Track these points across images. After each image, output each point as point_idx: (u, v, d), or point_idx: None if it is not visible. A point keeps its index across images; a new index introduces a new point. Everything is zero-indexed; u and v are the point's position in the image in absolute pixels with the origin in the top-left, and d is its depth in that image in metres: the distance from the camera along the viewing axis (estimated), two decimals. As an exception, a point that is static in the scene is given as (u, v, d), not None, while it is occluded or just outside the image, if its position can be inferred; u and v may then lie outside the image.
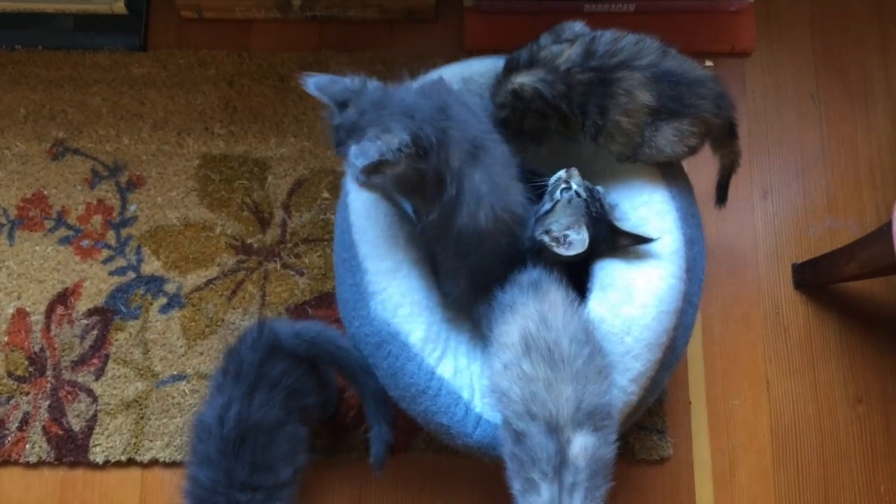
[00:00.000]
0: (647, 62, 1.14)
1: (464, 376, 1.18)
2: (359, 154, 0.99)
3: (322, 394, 1.29)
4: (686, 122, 1.15)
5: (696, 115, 1.15)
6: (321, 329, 1.26)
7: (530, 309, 1.04)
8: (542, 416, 0.96)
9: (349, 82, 1.06)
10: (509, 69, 1.22)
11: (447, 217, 1.08)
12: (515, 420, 0.98)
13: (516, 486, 0.98)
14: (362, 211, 1.21)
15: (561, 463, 0.94)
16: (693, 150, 1.20)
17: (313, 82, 1.05)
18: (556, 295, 1.06)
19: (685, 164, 1.32)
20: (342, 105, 1.05)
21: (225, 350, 1.24)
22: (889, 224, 1.20)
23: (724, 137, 1.22)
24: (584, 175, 1.20)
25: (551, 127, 1.23)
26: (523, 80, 1.19)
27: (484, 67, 1.29)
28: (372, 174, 1.02)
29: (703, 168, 1.62)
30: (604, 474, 0.97)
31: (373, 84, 1.06)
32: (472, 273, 1.17)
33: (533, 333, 1.01)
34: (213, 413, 1.16)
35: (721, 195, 1.32)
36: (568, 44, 1.19)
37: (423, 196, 1.10)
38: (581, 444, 0.95)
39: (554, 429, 0.95)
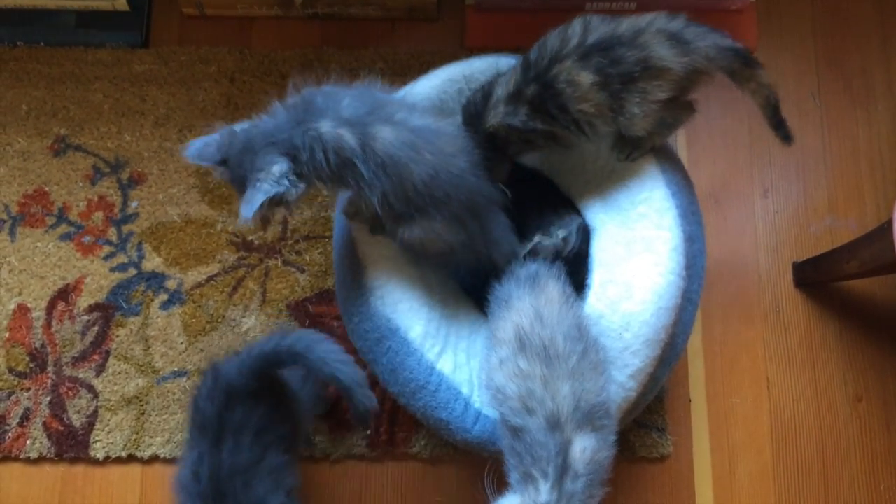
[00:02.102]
0: (573, 45, 1.11)
1: (463, 372, 1.18)
2: (245, 207, 1.02)
3: (295, 416, 1.23)
4: (642, 81, 1.09)
5: (650, 68, 1.09)
6: (263, 345, 1.16)
7: (525, 304, 1.04)
8: (542, 412, 0.95)
9: (218, 138, 1.07)
10: (473, 115, 1.20)
11: (398, 190, 1.06)
12: (512, 416, 0.98)
13: (514, 477, 0.98)
14: (362, 208, 1.21)
15: (563, 466, 0.93)
16: (672, 105, 1.13)
17: (190, 152, 1.07)
18: (552, 290, 1.06)
19: (685, 160, 1.32)
20: (223, 163, 1.07)
21: (189, 400, 1.19)
22: (889, 222, 1.20)
23: (738, 70, 1.12)
24: (582, 176, 1.24)
25: (539, 144, 1.21)
26: (493, 122, 1.17)
27: (485, 65, 1.30)
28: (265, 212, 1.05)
29: (704, 165, 1.62)
30: (601, 480, 0.96)
31: (239, 127, 1.08)
32: (470, 210, 1.12)
33: (527, 330, 1.01)
34: (187, 471, 1.13)
35: (782, 133, 1.20)
36: (511, 69, 1.18)
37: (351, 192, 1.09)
38: (581, 447, 0.95)
39: (555, 426, 0.95)
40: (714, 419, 1.49)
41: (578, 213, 1.28)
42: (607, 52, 1.09)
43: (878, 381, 1.52)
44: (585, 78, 1.10)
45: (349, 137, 1.04)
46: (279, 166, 1.03)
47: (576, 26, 1.13)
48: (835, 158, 1.63)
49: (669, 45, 1.09)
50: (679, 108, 1.16)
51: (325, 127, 1.04)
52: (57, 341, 1.51)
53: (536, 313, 1.03)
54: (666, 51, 1.09)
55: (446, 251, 1.14)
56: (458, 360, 1.19)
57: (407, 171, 1.05)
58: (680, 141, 1.60)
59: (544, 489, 0.93)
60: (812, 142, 1.64)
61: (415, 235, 1.11)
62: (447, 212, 1.09)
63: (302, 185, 1.05)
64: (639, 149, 1.21)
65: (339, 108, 1.05)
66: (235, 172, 1.06)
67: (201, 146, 1.07)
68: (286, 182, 1.03)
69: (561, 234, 1.21)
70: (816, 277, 1.54)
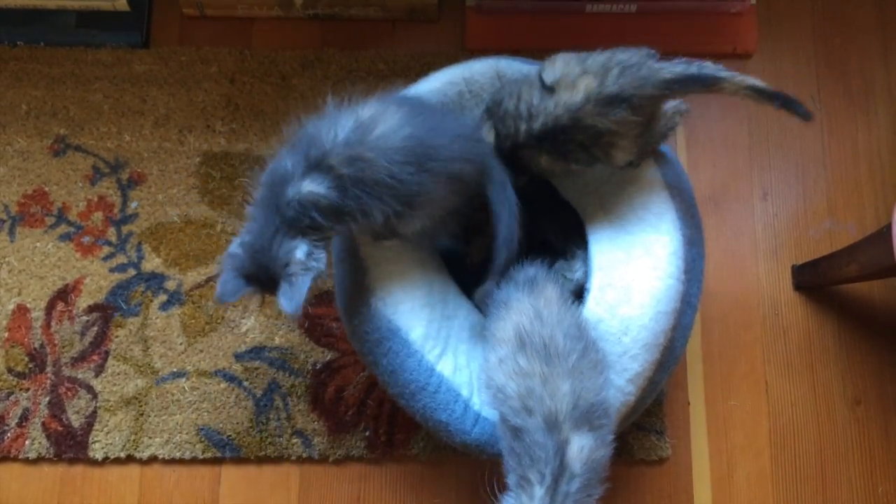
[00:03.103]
0: (524, 132, 1.12)
1: (463, 374, 1.18)
2: (289, 304, 1.01)
3: None
4: (603, 140, 1.10)
5: (602, 135, 1.08)
6: None
7: (525, 304, 1.04)
8: (540, 411, 0.96)
9: (228, 270, 1.06)
10: None
11: (382, 198, 1.04)
12: (513, 416, 0.98)
13: (511, 480, 0.98)
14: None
15: (559, 468, 0.93)
16: (650, 130, 1.12)
17: (223, 298, 1.05)
18: (551, 292, 1.07)
19: (685, 163, 1.32)
20: (248, 279, 1.06)
21: None
22: (889, 226, 1.20)
23: (700, 89, 1.07)
24: (581, 179, 1.24)
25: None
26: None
27: (485, 67, 1.29)
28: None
29: (703, 168, 1.62)
30: (599, 479, 0.96)
31: (233, 246, 1.06)
32: (447, 159, 1.07)
33: (527, 328, 1.01)
34: None
35: (797, 111, 1.10)
36: (487, 125, 1.18)
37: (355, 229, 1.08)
38: (578, 446, 0.95)
39: (553, 425, 0.95)
40: (713, 422, 1.49)
41: (576, 215, 1.28)
42: (555, 140, 1.11)
43: (876, 384, 1.52)
44: (545, 160, 1.14)
45: (314, 186, 1.02)
46: (300, 250, 1.02)
47: (522, 106, 1.12)
48: (834, 162, 1.63)
49: (609, 110, 1.05)
50: (663, 125, 1.16)
51: (292, 193, 1.02)
52: (56, 341, 1.51)
53: (536, 313, 1.03)
54: (608, 121, 1.06)
55: (455, 208, 1.12)
56: (458, 362, 1.19)
57: (371, 180, 1.03)
58: (679, 144, 1.60)
59: (538, 494, 0.93)
60: (812, 145, 1.64)
61: (419, 222, 1.10)
62: (431, 174, 1.05)
63: (323, 253, 1.05)
64: (638, 158, 1.20)
65: (288, 170, 1.04)
66: (263, 279, 1.05)
67: (224, 287, 1.05)
68: (314, 263, 1.03)
69: (577, 271, 1.24)
70: (815, 281, 1.54)
